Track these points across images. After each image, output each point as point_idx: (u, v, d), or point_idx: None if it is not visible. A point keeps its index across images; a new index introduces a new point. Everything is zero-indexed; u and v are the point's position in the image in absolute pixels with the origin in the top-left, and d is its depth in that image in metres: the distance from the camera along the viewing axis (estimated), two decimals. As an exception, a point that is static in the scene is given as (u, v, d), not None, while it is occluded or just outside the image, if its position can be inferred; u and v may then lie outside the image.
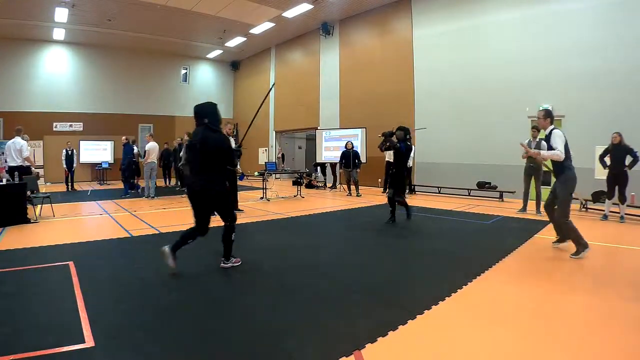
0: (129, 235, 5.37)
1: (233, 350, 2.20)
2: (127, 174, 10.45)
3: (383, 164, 11.21)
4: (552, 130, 4.31)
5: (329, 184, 13.37)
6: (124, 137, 10.66)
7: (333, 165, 13.12)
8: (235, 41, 16.21)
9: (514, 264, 4.06)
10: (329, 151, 13.31)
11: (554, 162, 4.35)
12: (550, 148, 4.28)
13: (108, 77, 16.54)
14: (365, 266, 3.99)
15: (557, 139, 4.20)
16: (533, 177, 7.29)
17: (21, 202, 6.30)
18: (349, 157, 10.76)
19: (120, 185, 13.60)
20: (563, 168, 4.26)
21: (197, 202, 3.62)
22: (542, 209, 7.21)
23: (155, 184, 9.89)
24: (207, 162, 3.54)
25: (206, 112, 3.63)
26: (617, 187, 6.55)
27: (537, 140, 7.20)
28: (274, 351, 2.19)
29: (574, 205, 8.08)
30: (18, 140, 7.19)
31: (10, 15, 12.26)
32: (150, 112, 17.62)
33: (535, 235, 5.44)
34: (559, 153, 4.10)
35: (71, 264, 3.81)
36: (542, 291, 3.23)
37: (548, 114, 4.42)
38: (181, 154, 13.03)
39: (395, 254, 4.49)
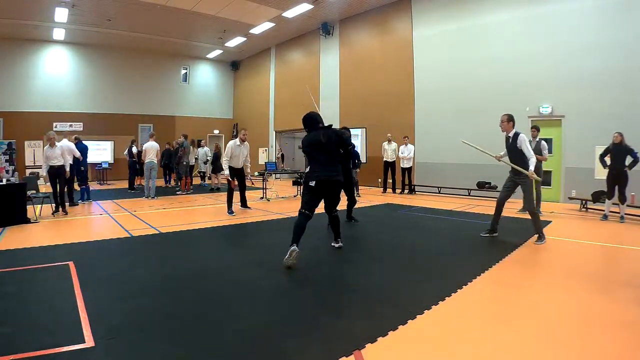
0: (129, 235, 5.37)
1: (233, 350, 2.20)
2: (80, 177, 9.12)
3: (382, 164, 11.23)
4: (517, 134, 4.93)
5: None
6: (74, 137, 9.47)
7: None
8: (235, 41, 16.21)
9: (513, 264, 4.06)
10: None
11: (518, 160, 4.94)
12: (517, 150, 4.93)
13: (108, 77, 16.54)
14: (365, 266, 3.99)
15: (527, 144, 4.88)
16: None
17: (21, 202, 6.31)
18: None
19: (120, 185, 13.62)
20: (527, 165, 4.82)
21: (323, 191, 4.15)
22: (541, 208, 7.28)
23: (155, 184, 9.88)
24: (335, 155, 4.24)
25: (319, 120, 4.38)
26: (617, 187, 6.55)
27: (537, 140, 7.22)
28: (274, 351, 2.19)
29: (575, 205, 8.13)
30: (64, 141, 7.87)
31: (10, 15, 12.26)
32: (150, 112, 17.62)
33: (535, 235, 5.43)
34: (534, 160, 4.79)
35: (71, 264, 3.81)
36: (542, 291, 3.23)
37: (511, 118, 5.05)
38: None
39: (395, 254, 4.49)
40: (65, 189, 8.13)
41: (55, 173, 7.12)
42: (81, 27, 13.79)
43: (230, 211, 7.40)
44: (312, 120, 4.39)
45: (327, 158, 4.14)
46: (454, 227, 6.16)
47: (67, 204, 7.58)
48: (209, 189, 12.16)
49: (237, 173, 7.45)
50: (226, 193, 7.56)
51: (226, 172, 7.26)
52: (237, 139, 7.45)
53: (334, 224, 4.46)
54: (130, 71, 17.06)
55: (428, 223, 6.56)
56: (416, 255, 4.42)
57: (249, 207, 8.01)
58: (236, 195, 7.66)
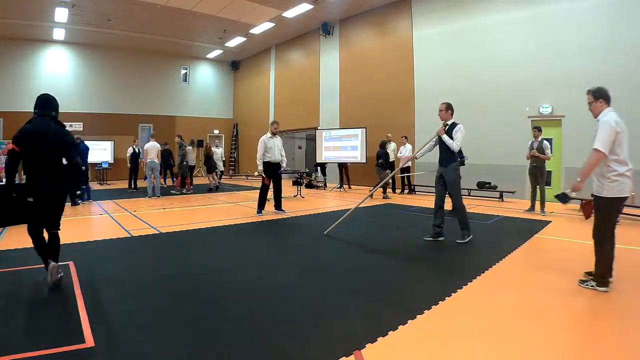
0: (129, 235, 5.37)
1: (233, 351, 2.20)
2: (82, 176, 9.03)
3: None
4: (455, 123, 5.09)
5: (329, 184, 13.32)
6: (76, 137, 9.70)
7: (340, 165, 12.73)
8: (235, 41, 16.22)
9: (514, 264, 4.06)
10: (329, 151, 13.26)
11: (447, 150, 5.11)
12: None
13: (108, 77, 16.55)
14: (365, 266, 3.99)
15: (461, 134, 5.00)
16: (537, 177, 7.31)
17: (22, 202, 6.29)
18: (385, 157, 10.47)
19: (120, 185, 13.62)
20: (455, 157, 5.05)
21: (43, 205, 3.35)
22: (545, 208, 7.27)
23: (159, 183, 9.87)
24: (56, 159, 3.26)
25: (54, 105, 3.34)
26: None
27: (540, 140, 7.22)
28: (275, 351, 2.19)
29: (575, 205, 8.12)
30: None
31: (10, 15, 12.27)
32: (150, 112, 17.63)
33: (535, 235, 5.45)
34: (455, 146, 4.99)
35: (71, 264, 3.81)
36: (542, 291, 3.22)
37: (449, 107, 5.19)
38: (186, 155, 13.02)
39: (395, 254, 4.49)
40: None
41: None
42: (81, 27, 13.80)
43: (259, 211, 7.27)
44: (45, 103, 3.29)
45: (50, 164, 3.25)
46: (453, 228, 6.15)
47: (68, 204, 7.57)
48: (207, 188, 12.16)
49: (275, 169, 7.22)
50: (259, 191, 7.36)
51: (260, 167, 7.10)
52: (269, 132, 7.28)
53: (54, 244, 3.37)
54: (130, 71, 17.07)
55: (428, 223, 6.53)
56: (416, 256, 4.42)
57: (284, 210, 7.50)
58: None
